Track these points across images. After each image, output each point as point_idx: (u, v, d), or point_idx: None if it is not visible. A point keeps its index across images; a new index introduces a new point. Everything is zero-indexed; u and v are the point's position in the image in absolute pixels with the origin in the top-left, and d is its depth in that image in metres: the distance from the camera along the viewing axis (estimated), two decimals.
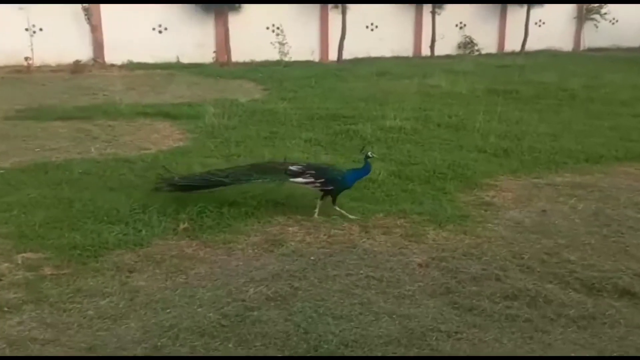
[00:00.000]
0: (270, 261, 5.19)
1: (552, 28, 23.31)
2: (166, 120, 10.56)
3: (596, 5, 23.38)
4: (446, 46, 21.60)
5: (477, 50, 22.00)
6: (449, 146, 8.99)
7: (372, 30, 20.98)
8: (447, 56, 21.06)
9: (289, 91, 13.64)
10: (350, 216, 6.12)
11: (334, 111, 11.11)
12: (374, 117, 10.62)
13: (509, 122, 10.56)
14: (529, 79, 15.11)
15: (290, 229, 5.89)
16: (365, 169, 6.26)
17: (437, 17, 20.95)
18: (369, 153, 6.22)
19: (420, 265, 5.16)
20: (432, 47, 21.08)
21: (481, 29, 22.19)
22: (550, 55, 21.20)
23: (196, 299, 4.54)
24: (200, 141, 9.09)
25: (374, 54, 20.50)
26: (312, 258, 5.23)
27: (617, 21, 24.03)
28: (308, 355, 3.87)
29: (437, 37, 21.03)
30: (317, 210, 6.18)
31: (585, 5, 23.60)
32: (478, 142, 9.15)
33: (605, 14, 23.35)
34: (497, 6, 22.38)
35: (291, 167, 6.17)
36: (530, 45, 22.10)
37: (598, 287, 4.74)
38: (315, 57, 20.21)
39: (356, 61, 19.38)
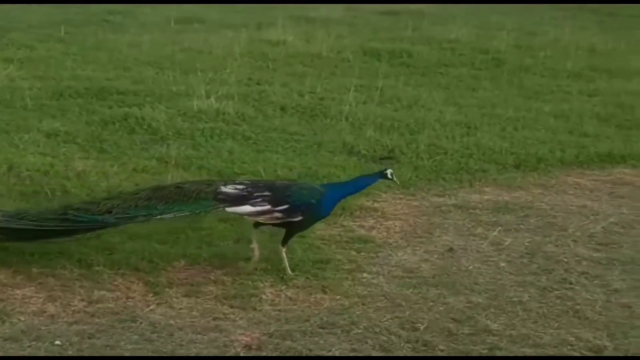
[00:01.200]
0: None
1: None
2: None
3: None
4: None
5: None
6: (300, 144, 9.21)
7: None
8: None
9: (19, 47, 13.23)
10: (289, 272, 6.21)
11: (100, 83, 10.96)
12: (172, 94, 10.61)
13: (397, 104, 10.99)
14: (429, 35, 15.83)
15: (18, 291, 5.70)
16: (359, 183, 6.61)
17: None
18: (389, 173, 6.53)
19: (248, 347, 5.19)
20: None
21: None
22: None
23: None
24: None
25: None
26: (57, 343, 5.09)
27: None
28: None
29: None
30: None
31: None
32: (347, 137, 9.45)
33: None
34: None
35: (223, 188, 6.24)
36: None
37: None
38: None
39: None
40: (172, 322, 5.45)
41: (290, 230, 6.31)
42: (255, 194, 6.19)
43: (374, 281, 6.20)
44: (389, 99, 11.17)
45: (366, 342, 5.30)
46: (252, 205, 6.16)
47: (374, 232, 7.13)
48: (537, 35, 16.56)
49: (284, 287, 6.01)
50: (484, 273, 6.43)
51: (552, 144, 9.63)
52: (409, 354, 5.17)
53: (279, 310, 5.70)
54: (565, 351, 5.26)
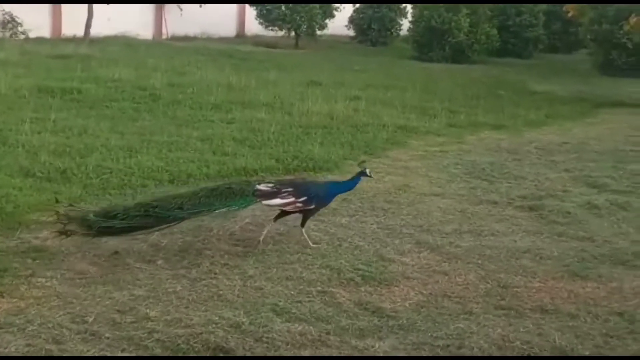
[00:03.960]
0: None
1: (126, 8, 24.40)
2: None
3: None
4: None
5: (23, 33, 21.90)
6: None
7: None
8: None
9: None
10: (312, 244, 6.78)
11: None
12: None
13: (69, 133, 10.63)
14: (96, 75, 15.51)
15: None
16: (349, 184, 7.21)
17: None
18: (367, 171, 7.10)
19: None
20: None
21: (28, 5, 22.00)
22: (124, 45, 22.11)
23: None
24: None
25: None
26: None
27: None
28: None
29: None
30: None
31: None
32: (23, 162, 8.96)
33: None
34: None
35: (259, 187, 6.69)
36: (98, 30, 22.77)
37: (184, 348, 4.97)
38: None
39: None
40: None
41: (306, 215, 6.82)
42: (282, 190, 6.67)
43: (48, 284, 5.87)
44: (61, 129, 10.77)
45: (40, 337, 5.00)
46: (281, 198, 6.63)
47: (48, 242, 6.71)
48: (186, 75, 16.69)
49: None
50: (145, 270, 6.28)
51: (199, 162, 9.66)
52: (79, 345, 4.93)
53: None
54: (211, 329, 5.23)
